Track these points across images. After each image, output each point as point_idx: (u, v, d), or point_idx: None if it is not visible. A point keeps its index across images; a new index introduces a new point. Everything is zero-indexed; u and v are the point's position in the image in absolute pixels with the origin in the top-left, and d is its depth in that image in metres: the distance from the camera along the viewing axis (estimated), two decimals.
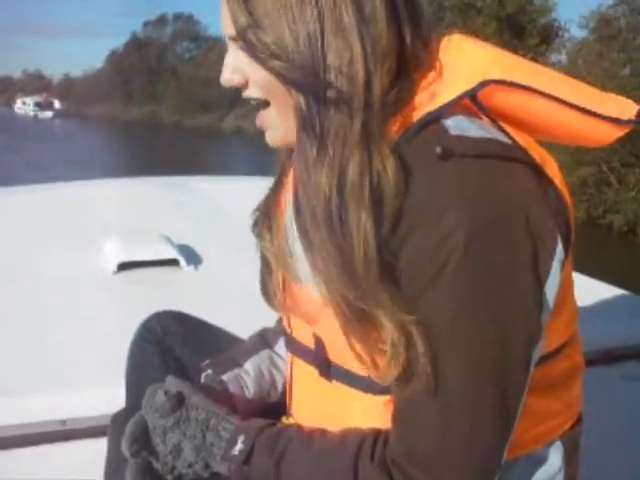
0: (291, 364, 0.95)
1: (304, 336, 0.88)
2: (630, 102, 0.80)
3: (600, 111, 0.78)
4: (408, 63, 0.75)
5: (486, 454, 0.74)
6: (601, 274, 2.47)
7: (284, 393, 1.03)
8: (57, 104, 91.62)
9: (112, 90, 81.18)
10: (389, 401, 0.78)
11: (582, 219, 13.88)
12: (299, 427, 0.88)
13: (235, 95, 0.83)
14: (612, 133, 0.80)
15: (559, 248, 0.75)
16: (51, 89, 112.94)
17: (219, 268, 2.49)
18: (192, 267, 2.48)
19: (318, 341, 0.84)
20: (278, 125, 0.81)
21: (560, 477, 0.88)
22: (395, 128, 0.74)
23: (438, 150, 0.71)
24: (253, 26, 0.74)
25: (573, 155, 13.61)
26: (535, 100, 0.77)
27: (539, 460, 0.86)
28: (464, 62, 0.77)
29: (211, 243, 2.74)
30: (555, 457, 0.87)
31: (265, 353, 1.09)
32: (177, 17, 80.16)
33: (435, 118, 0.75)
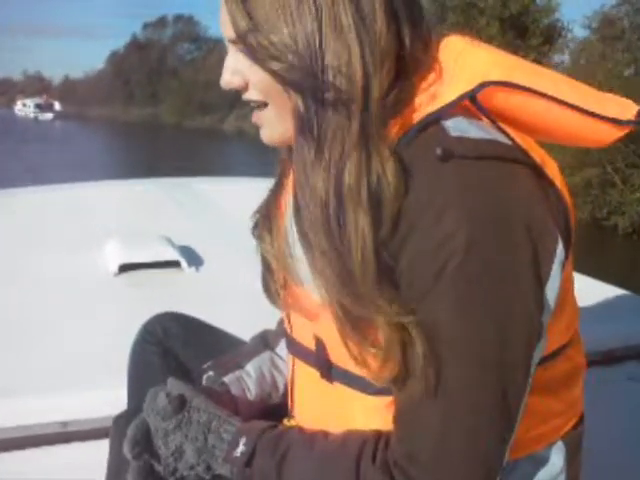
0: (292, 366, 0.95)
1: (305, 337, 0.88)
2: (630, 102, 0.80)
3: (600, 111, 0.78)
4: (407, 64, 0.75)
5: (487, 455, 0.74)
6: (605, 276, 2.46)
7: (285, 395, 1.03)
8: (57, 106, 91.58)
9: (112, 92, 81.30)
10: (390, 402, 0.78)
11: (586, 220, 13.80)
12: (301, 429, 0.88)
13: (236, 96, 0.83)
14: (612, 133, 0.80)
15: (559, 249, 0.75)
16: (51, 91, 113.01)
17: (220, 269, 2.50)
18: (193, 268, 2.48)
19: (319, 342, 0.84)
20: (275, 125, 0.81)
21: (562, 478, 0.87)
22: (395, 130, 0.74)
23: (438, 151, 0.71)
24: (251, 28, 0.74)
25: (577, 156, 13.53)
26: (535, 101, 0.77)
27: (541, 461, 0.86)
28: (464, 63, 0.77)
29: (212, 244, 2.74)
30: (557, 457, 0.87)
31: (266, 355, 1.09)
32: (177, 18, 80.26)
33: (435, 119, 0.75)
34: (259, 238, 0.90)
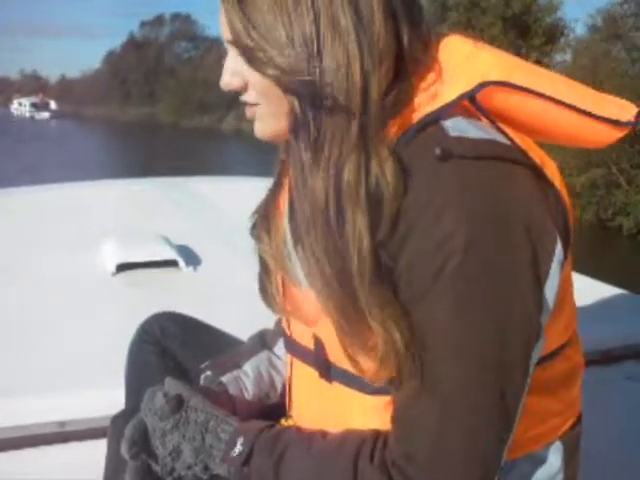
0: (290, 365, 0.95)
1: (304, 337, 0.87)
2: (629, 103, 0.80)
3: (599, 112, 0.78)
4: (406, 64, 0.74)
5: (485, 455, 0.74)
6: (610, 277, 2.45)
7: (283, 395, 1.03)
8: (53, 105, 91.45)
9: (109, 91, 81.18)
10: (389, 402, 0.78)
11: (591, 221, 13.74)
12: (298, 428, 0.88)
13: (234, 96, 0.83)
14: (611, 134, 0.80)
15: (558, 249, 0.75)
16: (48, 90, 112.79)
17: (218, 269, 2.49)
18: (191, 268, 2.48)
19: (318, 342, 0.84)
20: (269, 121, 0.80)
21: (560, 477, 0.88)
22: (393, 130, 0.74)
23: (437, 151, 0.71)
24: (249, 30, 0.74)
25: (582, 157, 13.49)
26: (534, 101, 0.77)
27: (539, 460, 0.86)
28: (463, 63, 0.77)
29: (210, 244, 2.74)
30: (555, 457, 0.87)
31: (264, 355, 1.09)
32: (174, 17, 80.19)
33: (434, 119, 0.75)
34: (257, 238, 0.90)
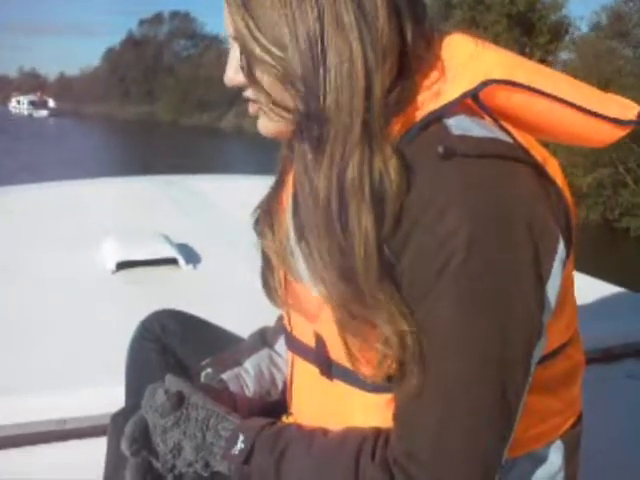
0: (291, 363, 0.95)
1: (305, 334, 0.87)
2: (631, 102, 0.80)
3: (601, 111, 0.78)
4: (410, 62, 0.74)
5: (486, 453, 0.74)
6: (618, 281, 2.44)
7: (284, 392, 1.03)
8: (51, 103, 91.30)
9: (108, 89, 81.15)
10: (390, 400, 0.78)
11: (597, 222, 13.62)
12: (299, 426, 0.87)
13: (235, 94, 0.83)
14: (613, 133, 0.80)
15: (560, 247, 0.75)
16: (47, 88, 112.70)
17: (218, 267, 2.50)
18: (191, 266, 2.48)
19: (319, 340, 0.84)
20: (272, 118, 0.80)
21: (560, 476, 0.88)
22: (397, 127, 0.74)
23: (440, 150, 0.71)
24: (252, 26, 0.73)
25: (589, 156, 13.40)
26: (537, 100, 0.77)
27: (539, 459, 0.86)
28: (466, 61, 0.77)
29: (210, 242, 2.74)
30: (555, 456, 0.87)
31: (265, 352, 1.09)
32: (173, 15, 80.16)
33: (437, 117, 0.74)
34: (260, 234, 0.90)
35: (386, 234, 0.72)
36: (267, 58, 0.73)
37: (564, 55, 20.48)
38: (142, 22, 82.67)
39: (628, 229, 13.72)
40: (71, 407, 1.51)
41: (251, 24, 0.73)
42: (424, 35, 0.76)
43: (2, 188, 3.79)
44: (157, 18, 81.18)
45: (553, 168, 0.79)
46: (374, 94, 0.71)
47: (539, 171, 0.76)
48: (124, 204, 3.29)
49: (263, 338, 1.11)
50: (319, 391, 0.87)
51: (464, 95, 0.75)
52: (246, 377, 1.04)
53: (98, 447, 1.10)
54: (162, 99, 66.30)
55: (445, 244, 0.69)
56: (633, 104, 0.80)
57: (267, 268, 0.92)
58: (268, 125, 0.82)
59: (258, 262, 0.95)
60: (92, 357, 1.70)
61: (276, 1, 0.72)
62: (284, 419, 0.96)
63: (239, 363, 1.06)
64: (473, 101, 0.76)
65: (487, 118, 0.77)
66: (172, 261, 2.47)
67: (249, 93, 0.81)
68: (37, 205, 3.25)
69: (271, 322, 1.13)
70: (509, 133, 0.76)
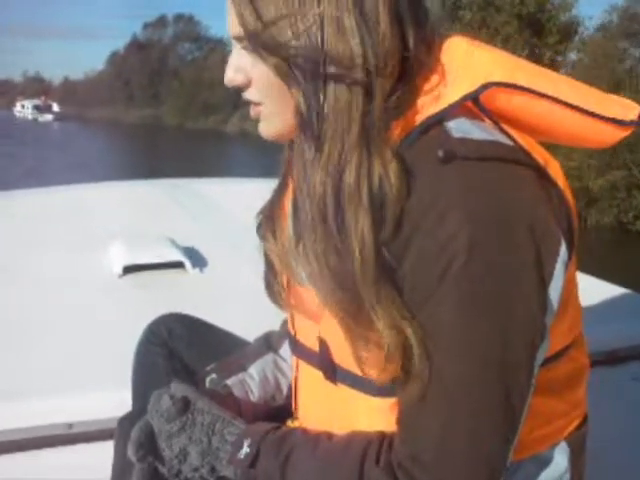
0: (296, 367, 0.95)
1: (309, 339, 0.88)
2: (632, 103, 0.80)
3: (602, 112, 0.78)
4: (411, 66, 0.75)
5: (491, 456, 0.74)
6: (631, 282, 2.42)
7: (289, 397, 1.03)
8: (56, 107, 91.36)
9: (113, 93, 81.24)
10: (394, 404, 0.78)
11: (611, 224, 13.47)
12: (304, 430, 0.88)
13: (239, 97, 0.83)
14: (615, 134, 0.80)
15: (563, 250, 0.75)
16: (51, 92, 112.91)
17: (224, 270, 2.50)
18: (197, 270, 2.48)
19: (323, 344, 0.84)
20: (273, 120, 0.80)
21: (566, 478, 0.88)
22: (397, 131, 0.74)
23: (440, 153, 0.71)
24: (256, 25, 0.74)
25: (603, 158, 13.25)
26: (537, 102, 0.77)
27: (545, 461, 0.86)
28: (466, 64, 0.77)
29: (216, 245, 2.74)
30: (561, 458, 0.87)
31: (269, 357, 1.09)
32: (178, 18, 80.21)
33: (437, 121, 0.75)
34: (263, 238, 0.90)
35: (386, 238, 0.72)
36: (269, 55, 0.74)
37: (573, 55, 20.42)
38: (146, 25, 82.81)
39: None
40: (78, 411, 1.52)
41: (255, 22, 0.74)
42: (425, 39, 0.76)
43: (8, 193, 3.80)
44: (161, 21, 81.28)
45: (554, 170, 0.79)
46: (374, 97, 0.72)
47: (540, 173, 0.76)
48: (130, 208, 3.30)
49: (268, 343, 1.11)
50: (323, 395, 0.87)
51: (464, 98, 0.75)
52: (251, 383, 1.04)
53: (105, 451, 1.10)
54: (167, 103, 66.34)
55: (446, 248, 0.69)
56: (634, 104, 0.80)
57: (270, 272, 0.92)
58: (269, 128, 0.82)
59: (263, 264, 0.95)
60: (99, 361, 1.71)
61: (280, 3, 0.72)
62: (289, 423, 0.96)
63: (244, 368, 1.06)
64: (473, 104, 0.76)
65: (487, 121, 0.78)
66: (178, 265, 2.47)
67: (249, 94, 0.81)
68: (43, 209, 3.25)
69: (277, 325, 1.14)
70: (510, 135, 0.76)
